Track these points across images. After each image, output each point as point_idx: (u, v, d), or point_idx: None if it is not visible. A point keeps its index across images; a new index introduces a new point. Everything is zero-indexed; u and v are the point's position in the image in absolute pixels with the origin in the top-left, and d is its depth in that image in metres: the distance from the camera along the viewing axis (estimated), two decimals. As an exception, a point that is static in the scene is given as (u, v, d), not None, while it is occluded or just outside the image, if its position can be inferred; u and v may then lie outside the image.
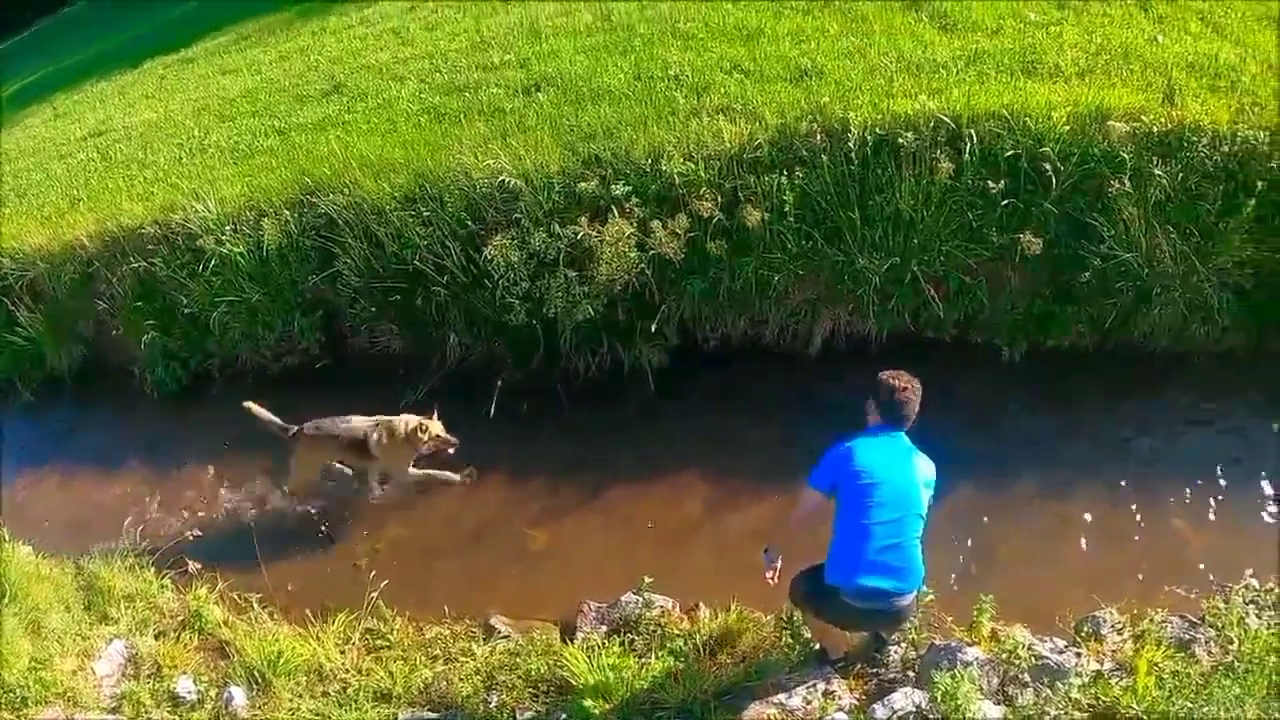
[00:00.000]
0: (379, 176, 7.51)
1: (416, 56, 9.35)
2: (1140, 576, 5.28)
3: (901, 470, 3.98)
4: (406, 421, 6.13)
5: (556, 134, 7.10)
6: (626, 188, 6.50)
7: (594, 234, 6.42)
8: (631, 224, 6.39)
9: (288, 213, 7.82)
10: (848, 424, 4.24)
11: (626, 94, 7.21)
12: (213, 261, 7.84)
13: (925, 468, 4.06)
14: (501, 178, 6.94)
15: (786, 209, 6.22)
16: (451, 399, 6.89)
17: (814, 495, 4.07)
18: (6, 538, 6.47)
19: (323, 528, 6.53)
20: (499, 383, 6.54)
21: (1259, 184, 6.31)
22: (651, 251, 6.33)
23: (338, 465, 6.68)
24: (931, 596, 4.79)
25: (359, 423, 6.28)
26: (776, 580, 4.41)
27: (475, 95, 8.01)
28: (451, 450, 6.24)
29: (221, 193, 8.28)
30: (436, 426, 6.13)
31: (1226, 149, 6.41)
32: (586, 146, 6.86)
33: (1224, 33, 7.51)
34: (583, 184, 6.65)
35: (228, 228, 7.91)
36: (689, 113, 6.81)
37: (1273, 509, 5.61)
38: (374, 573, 5.78)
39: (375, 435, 6.24)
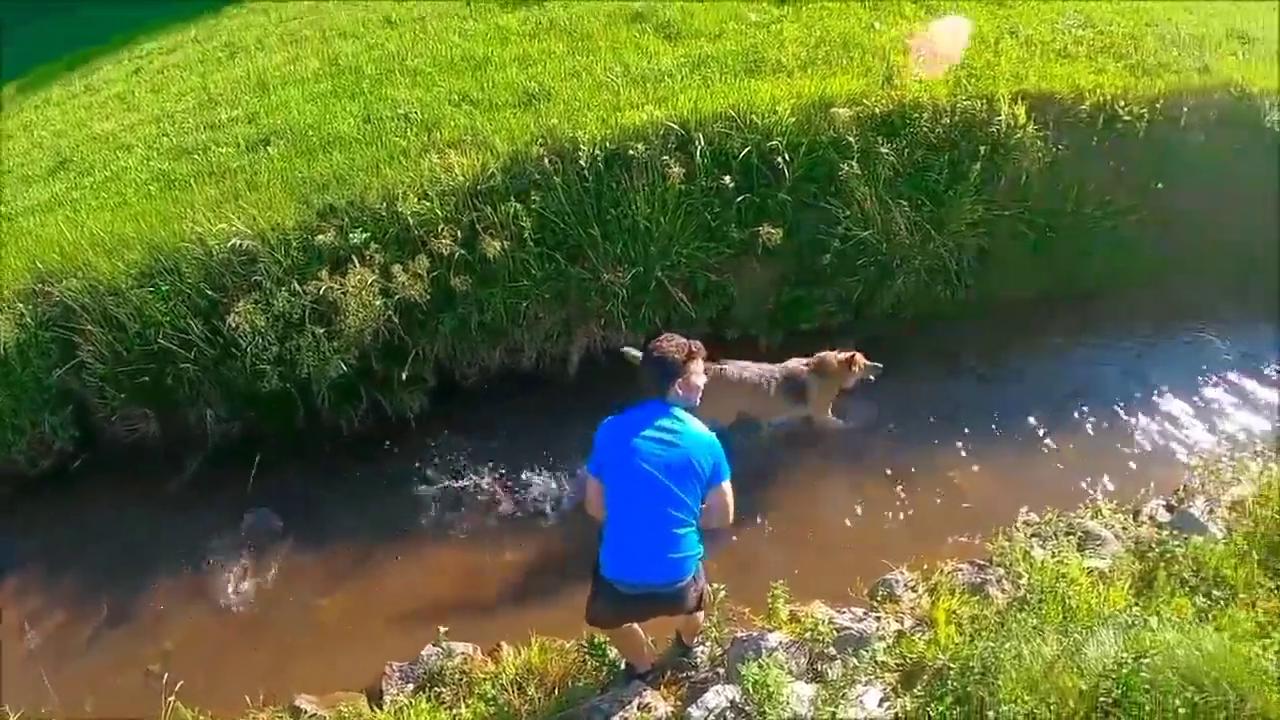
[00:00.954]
0: (112, 254, 7.16)
1: (143, 122, 8.97)
2: (923, 533, 5.55)
3: (664, 452, 3.70)
4: (836, 356, 5.99)
5: (289, 188, 6.92)
6: (364, 235, 6.41)
7: (336, 286, 6.29)
8: (373, 271, 6.28)
9: (21, 305, 7.35)
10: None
11: (357, 138, 7.10)
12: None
13: (700, 450, 3.76)
14: (237, 241, 6.67)
15: (526, 235, 6.24)
16: (214, 475, 6.68)
17: (591, 484, 3.85)
18: None
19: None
20: (258, 458, 6.23)
21: (981, 149, 6.69)
22: (397, 296, 6.20)
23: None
24: (724, 592, 4.83)
25: (793, 365, 6.06)
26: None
27: (205, 157, 7.74)
28: (874, 377, 6.06)
29: (-59, 292, 7.69)
30: (861, 358, 5.97)
31: (948, 120, 6.77)
32: (320, 197, 6.73)
33: (936, 12, 7.93)
34: (320, 237, 6.51)
35: (-48, 329, 7.35)
36: (421, 150, 6.77)
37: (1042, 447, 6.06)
38: (166, 676, 5.46)
39: (809, 376, 6.04)
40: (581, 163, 6.33)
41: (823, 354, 6.00)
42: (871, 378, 6.05)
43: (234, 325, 6.45)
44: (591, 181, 6.33)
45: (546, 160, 6.38)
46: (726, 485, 3.87)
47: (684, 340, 3.83)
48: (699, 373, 3.88)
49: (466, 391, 6.59)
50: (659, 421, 3.73)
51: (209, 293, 6.72)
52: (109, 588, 6.61)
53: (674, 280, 6.24)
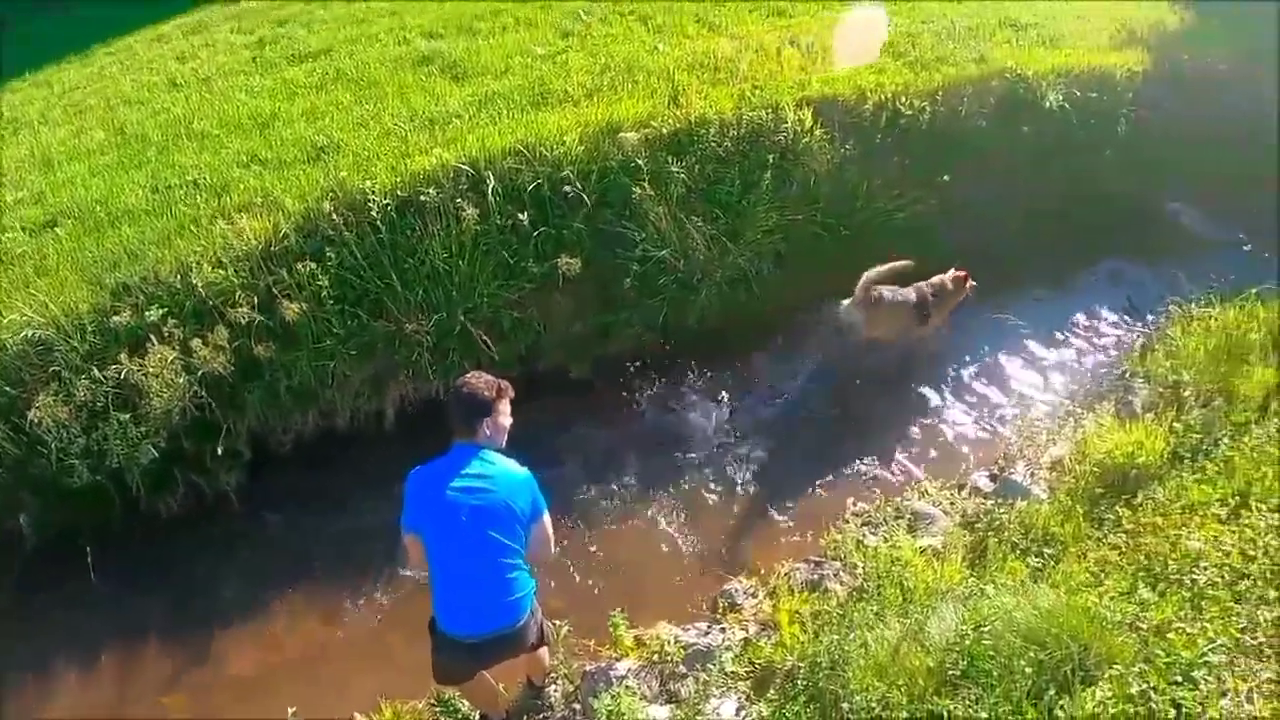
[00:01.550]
0: (-107, 358, 6.83)
1: (-78, 211, 8.59)
2: (755, 540, 5.75)
3: (480, 496, 3.67)
4: (953, 277, 6.69)
5: (80, 269, 6.75)
6: (161, 311, 6.29)
7: (137, 368, 6.14)
8: (173, 348, 6.17)
9: None
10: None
11: (147, 210, 6.97)
12: None
13: (518, 490, 3.77)
14: (30, 331, 6.46)
15: (324, 294, 6.21)
16: (40, 578, 6.41)
17: (409, 540, 3.77)
18: None
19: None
20: (88, 550, 6.05)
21: (770, 158, 6.93)
22: (200, 371, 6.12)
23: None
24: (566, 628, 4.96)
25: (922, 287, 6.67)
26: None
27: (-10, 244, 7.46)
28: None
29: None
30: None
31: (735, 133, 6.99)
32: (113, 276, 6.57)
33: (719, 29, 8.23)
34: (116, 317, 6.36)
35: None
36: (211, 217, 6.69)
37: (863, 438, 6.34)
38: None
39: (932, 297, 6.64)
40: (374, 214, 6.36)
41: (941, 277, 6.70)
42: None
43: (35, 420, 6.24)
44: (385, 232, 6.36)
45: (338, 215, 6.37)
46: (546, 519, 3.92)
47: (492, 378, 3.86)
48: (507, 413, 3.89)
49: (284, 460, 6.50)
50: (468, 468, 3.70)
51: (6, 389, 6.50)
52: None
53: (477, 322, 6.31)
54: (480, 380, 3.79)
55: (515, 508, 3.72)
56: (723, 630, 4.94)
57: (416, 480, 3.75)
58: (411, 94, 7.55)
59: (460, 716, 4.80)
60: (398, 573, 5.91)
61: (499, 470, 3.75)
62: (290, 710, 5.10)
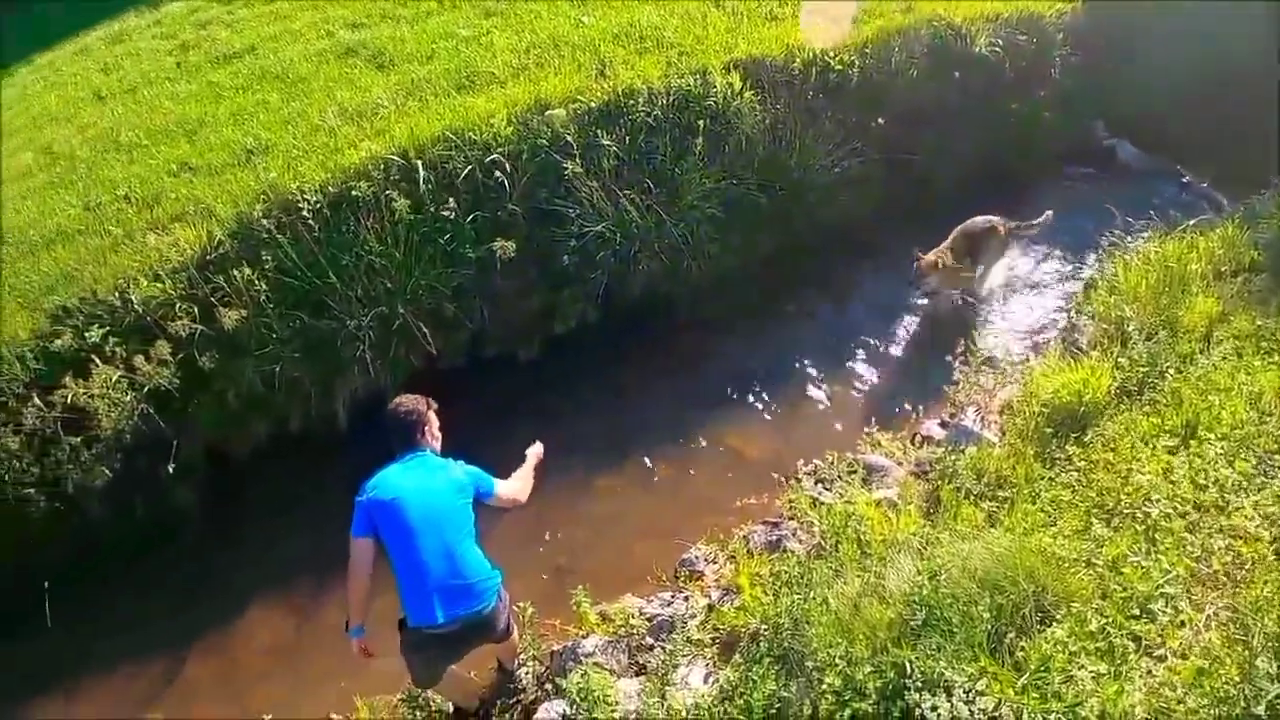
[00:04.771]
0: None
1: None
2: (710, 506, 5.82)
3: (428, 487, 4.04)
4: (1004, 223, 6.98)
5: (17, 295, 6.70)
6: (101, 330, 6.27)
7: (83, 390, 6.12)
8: (116, 366, 6.16)
9: None
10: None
11: (80, 229, 6.91)
12: None
13: (455, 471, 4.16)
14: (-29, 363, 6.45)
15: (263, 298, 6.20)
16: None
17: (360, 545, 4.01)
18: None
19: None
20: (46, 585, 6.08)
21: (701, 123, 6.94)
22: (146, 388, 6.13)
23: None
24: (531, 609, 4.98)
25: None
26: (373, 653, 4.31)
27: (-76, 279, 7.40)
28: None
29: None
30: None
31: (664, 102, 7.01)
32: (50, 300, 6.53)
33: (644, -3, 8.17)
34: (57, 341, 6.33)
35: None
36: (145, 230, 6.65)
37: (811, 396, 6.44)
38: None
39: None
40: (306, 213, 6.35)
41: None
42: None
43: (-17, 455, 6.25)
44: (320, 230, 6.36)
45: (269, 219, 6.37)
46: (498, 486, 4.31)
47: (416, 396, 4.28)
48: (437, 424, 4.32)
49: (244, 469, 6.53)
50: (416, 470, 4.10)
51: (-46, 424, 6.49)
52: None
53: (418, 313, 6.33)
54: (410, 399, 4.24)
55: (458, 484, 4.11)
56: (686, 599, 4.99)
57: (370, 488, 4.04)
58: (338, 88, 7.52)
59: (434, 709, 4.87)
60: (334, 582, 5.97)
61: (441, 466, 4.16)
62: (266, 718, 5.15)
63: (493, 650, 4.72)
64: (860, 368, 6.76)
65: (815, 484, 5.72)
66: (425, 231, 6.42)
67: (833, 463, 5.80)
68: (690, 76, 7.29)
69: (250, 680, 5.73)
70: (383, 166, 6.57)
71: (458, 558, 4.00)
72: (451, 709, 4.83)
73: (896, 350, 6.87)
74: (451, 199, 6.49)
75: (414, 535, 3.94)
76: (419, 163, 6.56)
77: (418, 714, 4.89)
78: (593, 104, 7.04)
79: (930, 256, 6.78)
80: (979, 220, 6.99)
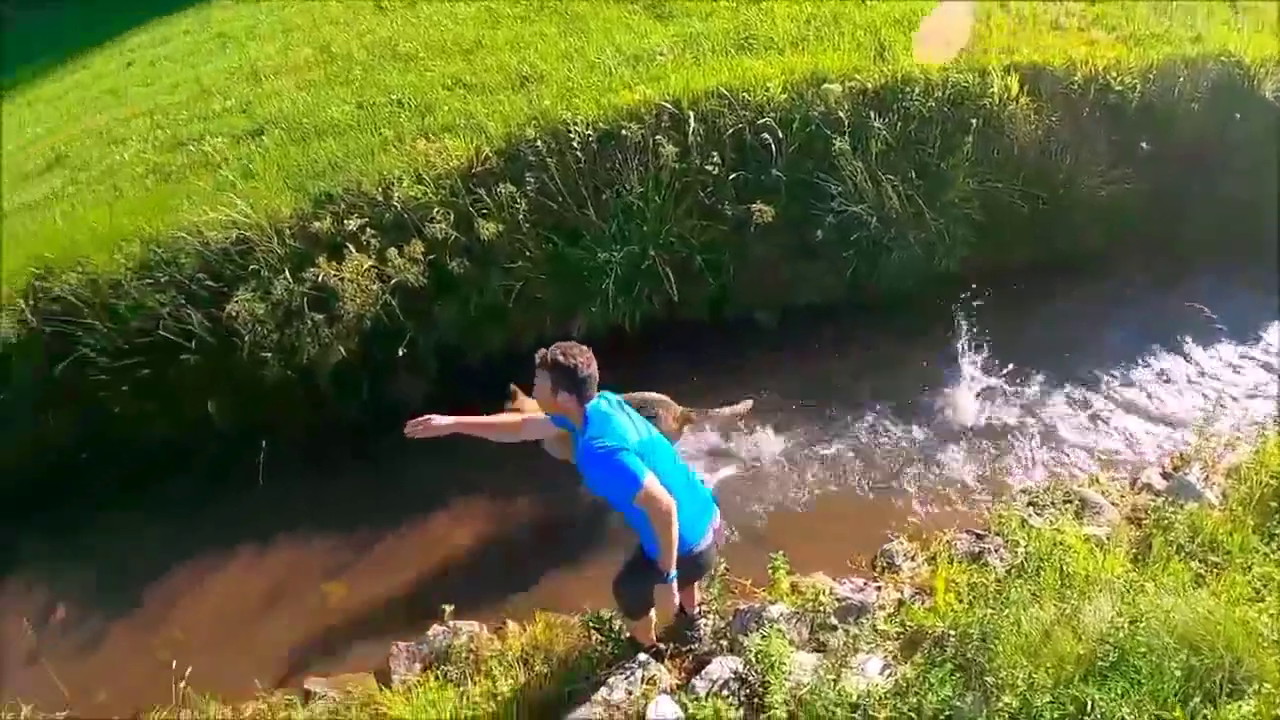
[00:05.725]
0: (110, 248, 7.24)
1: (136, 115, 9.06)
2: (923, 504, 5.69)
3: (639, 419, 4.02)
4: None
5: (285, 176, 7.02)
6: (360, 220, 6.46)
7: (334, 273, 6.35)
8: (370, 256, 6.34)
9: (21, 302, 7.46)
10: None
11: (351, 125, 7.19)
12: (-54, 371, 7.40)
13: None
14: (234, 230, 6.76)
15: (521, 217, 6.28)
16: (221, 469, 6.79)
17: (649, 479, 3.75)
18: None
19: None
20: (264, 446, 6.33)
21: (974, 122, 6.74)
22: (394, 281, 6.30)
23: None
24: (724, 565, 4.98)
25: None
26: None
27: (199, 148, 7.83)
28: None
29: (-55, 289, 7.81)
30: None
31: (939, 94, 6.82)
32: (316, 185, 6.81)
33: (928, -16, 8.00)
34: (317, 224, 6.58)
35: (-46, 330, 7.47)
36: (414, 135, 6.84)
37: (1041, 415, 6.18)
38: (175, 662, 5.45)
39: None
40: (575, 144, 6.40)
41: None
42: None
43: (233, 314, 6.54)
44: (585, 162, 6.40)
45: (540, 142, 6.45)
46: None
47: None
48: None
49: (473, 376, 6.66)
50: (612, 405, 3.97)
51: (208, 283, 6.82)
52: (117, 583, 6.70)
53: (668, 259, 6.32)
54: (592, 358, 3.87)
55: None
56: (879, 588, 4.94)
57: (611, 431, 3.80)
58: (615, 30, 7.59)
59: (612, 636, 4.88)
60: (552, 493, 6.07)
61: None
62: (446, 609, 5.29)
63: (682, 593, 4.61)
64: (1095, 400, 6.44)
65: (1027, 505, 5.54)
66: (687, 182, 6.40)
67: (1049, 489, 5.57)
68: (969, 73, 7.06)
69: (437, 572, 5.92)
70: (654, 112, 6.58)
71: (697, 483, 4.11)
72: (628, 635, 4.81)
73: (1135, 389, 6.51)
74: (717, 154, 6.45)
75: (675, 463, 4.00)
76: (691, 114, 6.52)
77: (594, 636, 4.93)
78: (868, 85, 6.90)
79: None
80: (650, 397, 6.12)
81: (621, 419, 3.83)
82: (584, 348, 3.74)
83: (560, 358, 3.68)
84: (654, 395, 5.82)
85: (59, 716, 5.61)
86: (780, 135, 6.58)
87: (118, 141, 8.80)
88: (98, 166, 8.54)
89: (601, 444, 3.68)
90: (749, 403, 6.05)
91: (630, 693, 4.56)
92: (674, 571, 3.93)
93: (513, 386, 5.75)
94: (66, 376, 7.18)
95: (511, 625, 5.25)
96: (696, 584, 4.69)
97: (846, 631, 4.44)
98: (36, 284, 7.44)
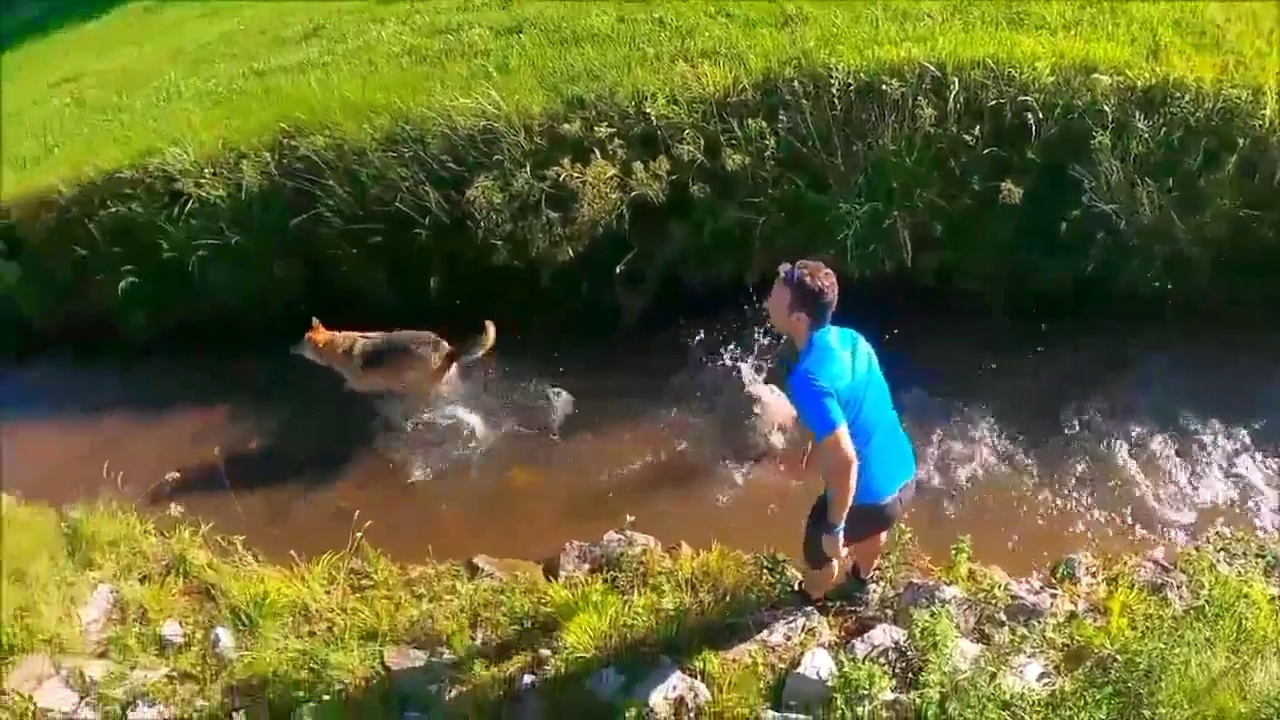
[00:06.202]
0: (360, 118, 7.60)
1: (397, -1, 9.42)
2: (1116, 523, 5.52)
3: (863, 363, 3.85)
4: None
5: (539, 76, 7.22)
6: (610, 130, 6.60)
7: (576, 175, 6.53)
8: (613, 166, 6.50)
9: (268, 155, 7.92)
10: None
11: (610, 36, 7.33)
12: (191, 205, 7.95)
13: (864, 344, 3.93)
14: (483, 120, 7.01)
15: (768, 153, 6.33)
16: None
17: (840, 432, 3.62)
18: (-12, 486, 6.53)
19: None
20: (488, 324, 6.60)
21: (1240, 141, 6.46)
22: (633, 194, 6.44)
23: None
24: (910, 534, 5.00)
25: None
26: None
27: (457, 37, 8.11)
28: None
29: (200, 136, 8.36)
30: None
31: (1210, 105, 6.57)
32: (569, 88, 6.98)
33: (1208, -10, 7.63)
34: (566, 125, 6.77)
35: (207, 170, 8.03)
36: (673, 56, 6.94)
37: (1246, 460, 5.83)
38: (357, 513, 5.87)
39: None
40: (834, 90, 6.39)
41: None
42: None
43: (471, 199, 6.80)
44: (841, 110, 6.39)
45: (799, 83, 6.46)
46: None
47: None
48: None
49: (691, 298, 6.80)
50: (855, 346, 3.88)
51: (450, 166, 7.09)
52: (310, 428, 7.21)
53: (908, 223, 6.28)
54: (834, 283, 3.71)
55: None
56: (1053, 596, 4.83)
57: (826, 368, 3.69)
58: (887, -14, 7.51)
59: (783, 580, 4.95)
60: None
61: (852, 334, 3.92)
62: (628, 518, 5.50)
63: (861, 548, 4.68)
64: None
65: (1219, 550, 5.36)
66: (940, 149, 6.31)
67: (1244, 538, 5.34)
68: (1243, 89, 6.75)
69: (623, 481, 6.14)
70: (917, 72, 6.49)
71: (901, 431, 4.05)
72: (797, 586, 4.88)
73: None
74: (976, 127, 6.34)
75: (883, 407, 3.93)
76: (955, 80, 6.42)
77: (765, 576, 5.01)
78: (1137, 83, 6.65)
79: (329, 334, 6.70)
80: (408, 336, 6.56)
81: (842, 357, 3.71)
82: (829, 271, 3.63)
83: (806, 278, 3.58)
84: (419, 334, 6.52)
85: (236, 539, 6.03)
86: (1040, 117, 6.42)
87: (376, 20, 9.18)
88: (354, 41, 8.92)
89: (814, 380, 3.58)
90: (491, 331, 6.42)
91: (789, 639, 4.64)
92: (841, 525, 3.83)
93: (314, 320, 6.85)
94: (301, 231, 7.61)
95: (685, 548, 5.33)
96: (877, 546, 4.68)
97: (1013, 630, 4.42)
98: (284, 141, 7.85)
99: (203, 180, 7.99)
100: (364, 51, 8.70)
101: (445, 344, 6.45)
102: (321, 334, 6.77)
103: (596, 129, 6.66)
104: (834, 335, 3.73)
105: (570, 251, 6.58)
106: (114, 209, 8.41)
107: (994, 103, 6.43)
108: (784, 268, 3.67)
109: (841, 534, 3.90)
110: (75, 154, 9.28)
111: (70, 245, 8.73)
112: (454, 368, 6.60)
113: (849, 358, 3.75)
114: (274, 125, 8.08)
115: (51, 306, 8.90)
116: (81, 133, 9.74)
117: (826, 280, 3.59)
